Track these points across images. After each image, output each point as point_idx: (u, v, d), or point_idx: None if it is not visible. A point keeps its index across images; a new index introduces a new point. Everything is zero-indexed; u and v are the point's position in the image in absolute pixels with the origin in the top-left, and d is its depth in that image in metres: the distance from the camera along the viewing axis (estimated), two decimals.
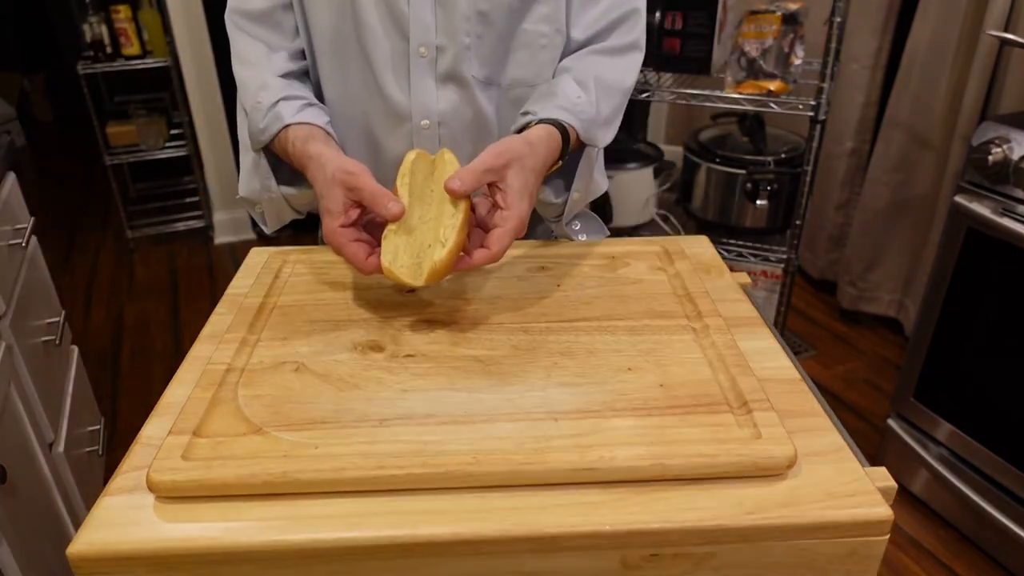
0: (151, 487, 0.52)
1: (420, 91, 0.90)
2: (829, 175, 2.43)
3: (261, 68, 0.92)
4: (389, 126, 0.93)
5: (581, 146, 0.88)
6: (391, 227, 0.71)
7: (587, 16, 0.93)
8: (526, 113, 0.86)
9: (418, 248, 0.70)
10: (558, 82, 0.89)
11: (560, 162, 0.85)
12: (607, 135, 0.92)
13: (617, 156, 1.96)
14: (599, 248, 0.88)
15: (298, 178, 0.88)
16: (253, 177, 0.90)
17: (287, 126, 0.84)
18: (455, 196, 0.71)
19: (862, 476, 0.54)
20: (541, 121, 0.83)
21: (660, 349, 0.67)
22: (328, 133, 0.86)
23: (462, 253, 0.71)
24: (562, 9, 0.90)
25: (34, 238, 1.54)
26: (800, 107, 1.72)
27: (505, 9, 0.87)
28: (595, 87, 0.89)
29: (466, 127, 0.92)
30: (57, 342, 1.50)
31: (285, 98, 0.87)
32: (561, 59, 0.94)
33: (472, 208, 0.74)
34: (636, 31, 0.95)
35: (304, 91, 0.92)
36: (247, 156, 0.91)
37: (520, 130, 0.84)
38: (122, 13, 2.69)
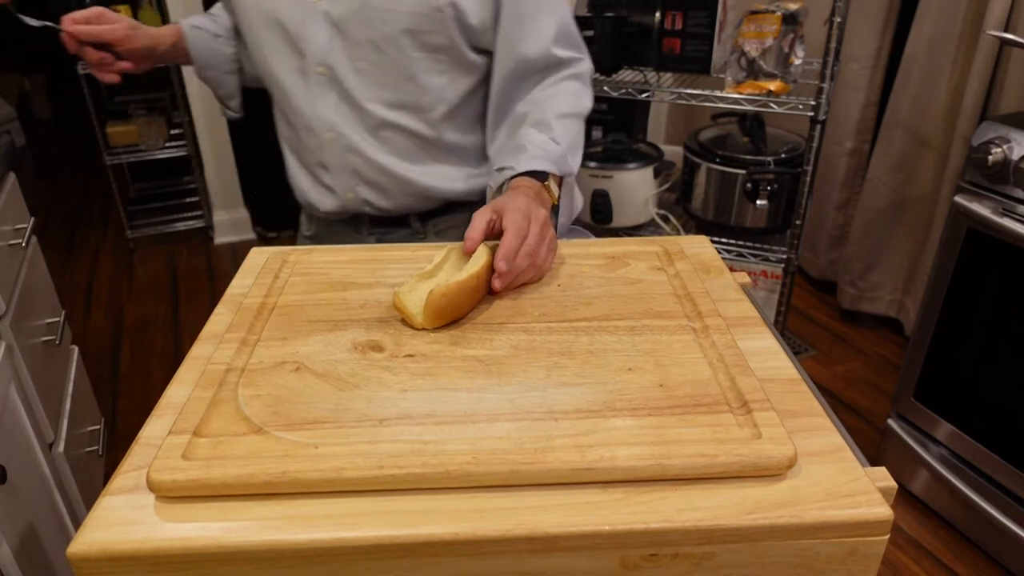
0: (151, 487, 0.52)
1: (320, 107, 0.97)
2: (829, 175, 2.43)
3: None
4: (301, 136, 1.02)
5: (560, 178, 0.94)
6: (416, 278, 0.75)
7: (520, 47, 0.94)
8: (502, 169, 0.91)
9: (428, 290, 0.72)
10: (522, 134, 0.93)
11: (556, 201, 0.91)
12: (577, 159, 0.97)
13: (617, 156, 1.96)
14: (599, 248, 0.88)
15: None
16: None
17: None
18: (469, 246, 0.77)
19: (862, 476, 0.54)
20: (518, 175, 0.89)
21: (660, 349, 0.67)
22: (187, 32, 1.09)
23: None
24: (461, 38, 0.92)
25: (34, 238, 1.54)
26: (800, 107, 1.72)
27: (392, 39, 0.91)
28: (555, 123, 0.93)
29: (368, 139, 0.97)
30: (57, 342, 1.50)
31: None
32: (509, 90, 0.97)
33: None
34: (576, 48, 0.98)
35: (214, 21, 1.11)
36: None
37: (499, 187, 0.91)
38: (122, 13, 2.69)
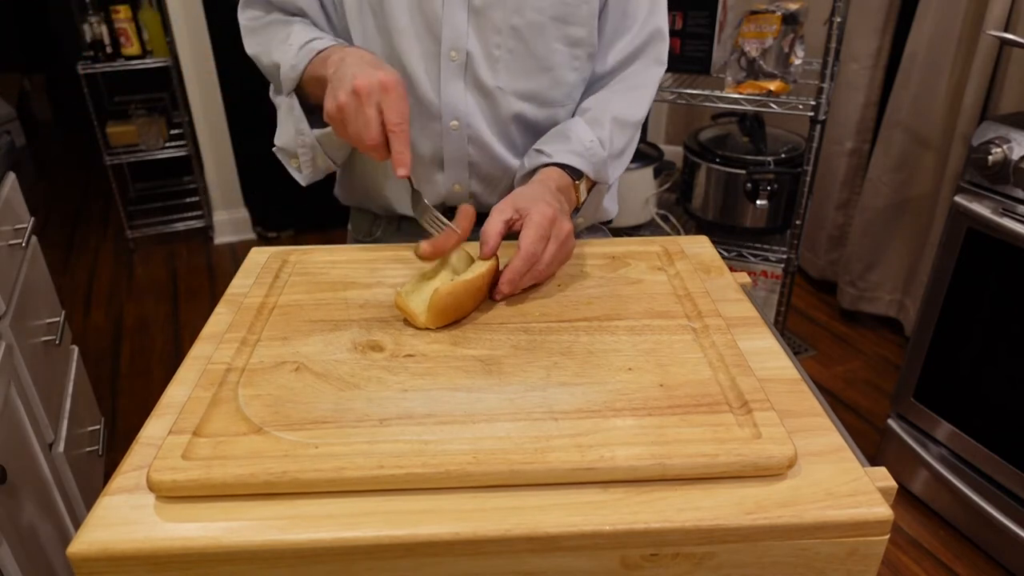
0: (151, 487, 0.52)
1: (449, 93, 0.92)
2: (829, 175, 2.43)
3: (280, 29, 0.92)
4: (419, 125, 0.94)
5: (592, 183, 0.92)
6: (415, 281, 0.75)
7: (617, 44, 0.94)
8: (540, 152, 0.89)
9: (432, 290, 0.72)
10: (573, 124, 0.91)
11: (582, 201, 0.90)
12: (618, 169, 0.96)
13: None
14: (599, 248, 0.88)
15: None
16: (287, 123, 0.91)
17: (319, 52, 0.85)
18: (486, 252, 0.75)
19: (862, 476, 0.54)
20: (553, 164, 0.87)
21: (660, 349, 0.67)
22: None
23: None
24: (595, 34, 0.92)
25: (34, 238, 1.54)
26: (800, 107, 1.72)
27: (538, 27, 0.89)
28: (609, 124, 0.92)
29: (493, 130, 0.94)
30: (57, 342, 1.50)
31: (316, 38, 0.88)
32: (586, 88, 0.97)
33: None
34: (659, 57, 0.98)
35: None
36: (281, 104, 0.92)
37: (532, 170, 0.89)
38: (122, 13, 2.69)
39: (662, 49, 0.97)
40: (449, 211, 1.01)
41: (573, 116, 0.98)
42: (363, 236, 1.10)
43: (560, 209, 0.80)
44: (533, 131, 0.96)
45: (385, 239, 1.07)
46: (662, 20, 0.96)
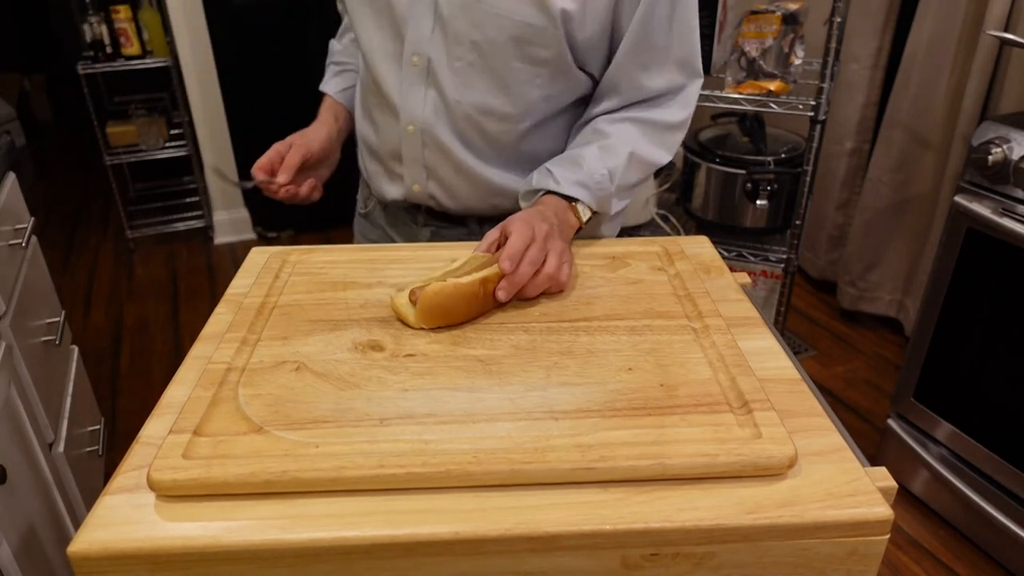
0: (152, 486, 0.52)
1: (408, 97, 0.93)
2: (829, 175, 2.43)
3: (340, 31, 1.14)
4: (384, 122, 0.98)
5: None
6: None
7: (643, 79, 0.91)
8: (549, 173, 0.89)
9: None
10: (586, 153, 0.90)
11: (583, 224, 0.89)
12: (622, 202, 0.95)
13: None
14: (599, 248, 0.88)
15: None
16: None
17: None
18: (481, 247, 0.78)
19: (862, 476, 0.54)
20: (554, 193, 0.87)
21: (660, 349, 0.67)
22: (339, 100, 1.09)
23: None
24: (565, 54, 0.89)
25: (34, 238, 1.54)
26: (800, 107, 1.72)
27: (497, 45, 0.88)
28: (626, 160, 0.90)
29: (450, 137, 0.95)
30: (57, 342, 1.50)
31: (333, 63, 1.13)
32: (594, 108, 0.95)
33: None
34: (687, 108, 0.95)
35: (347, 55, 1.12)
36: None
37: (535, 190, 0.89)
38: (122, 13, 2.69)
39: (693, 92, 0.95)
40: (412, 207, 1.06)
41: (573, 126, 0.98)
42: (360, 208, 1.16)
43: (554, 226, 0.81)
44: (494, 140, 0.96)
45: (373, 216, 1.12)
46: (697, 59, 0.93)
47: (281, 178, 0.93)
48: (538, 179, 0.90)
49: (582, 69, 0.93)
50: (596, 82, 0.96)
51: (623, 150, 0.90)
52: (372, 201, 1.12)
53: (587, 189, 0.88)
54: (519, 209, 1.00)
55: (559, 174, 0.88)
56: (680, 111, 0.95)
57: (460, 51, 0.89)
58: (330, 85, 1.10)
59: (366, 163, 1.07)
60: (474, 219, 1.04)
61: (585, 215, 0.89)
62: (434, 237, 1.06)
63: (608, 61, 0.92)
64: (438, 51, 0.90)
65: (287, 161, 0.94)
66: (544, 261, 0.77)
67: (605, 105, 0.94)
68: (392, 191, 1.04)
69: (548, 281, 0.77)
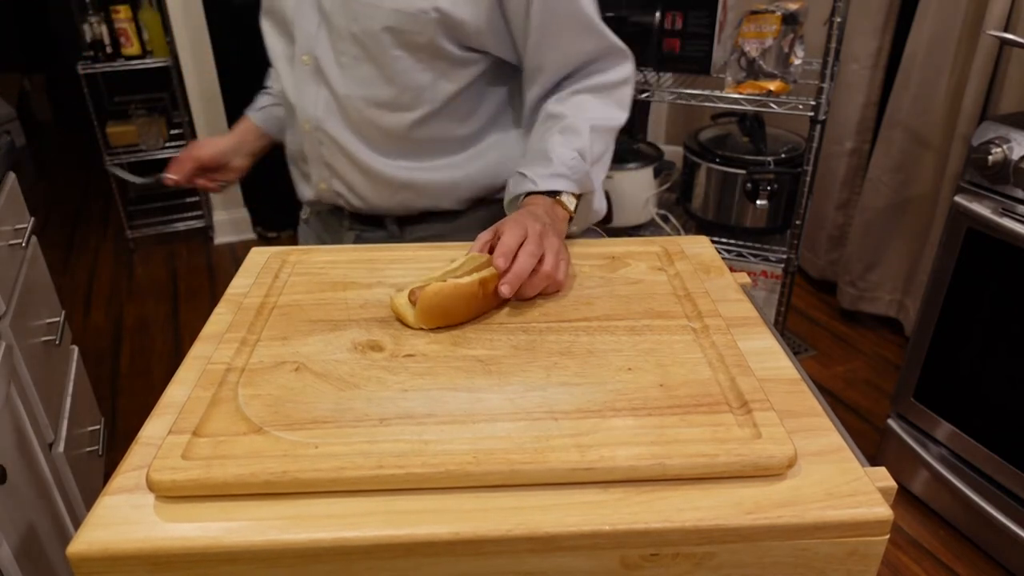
0: (151, 486, 0.52)
1: (303, 96, 0.97)
2: (829, 175, 2.43)
3: None
4: (290, 124, 1.04)
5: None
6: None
7: (563, 49, 0.92)
8: (523, 176, 0.89)
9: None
10: (551, 143, 0.90)
11: (572, 214, 0.89)
12: (600, 174, 0.95)
13: (617, 156, 1.95)
14: (599, 248, 0.88)
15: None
16: None
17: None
18: (474, 247, 0.78)
19: (862, 476, 0.54)
20: (536, 193, 0.87)
21: (660, 349, 0.67)
22: (254, 118, 1.16)
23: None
24: (442, 39, 0.89)
25: (34, 238, 1.54)
26: (800, 107, 1.72)
27: (374, 36, 0.89)
28: (589, 134, 0.91)
29: (348, 134, 0.96)
30: (57, 342, 1.50)
31: (263, 88, 1.18)
32: (529, 91, 0.96)
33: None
34: (622, 61, 0.97)
35: (273, 77, 1.13)
36: None
37: (517, 196, 0.89)
38: (122, 13, 2.69)
39: (618, 46, 0.96)
40: (336, 210, 1.08)
41: (527, 113, 0.99)
42: (302, 214, 1.18)
43: (547, 224, 0.81)
44: (390, 132, 0.96)
45: (311, 222, 1.15)
46: (598, 16, 0.94)
47: (170, 174, 1.09)
48: (515, 185, 0.90)
49: (473, 50, 0.93)
50: (501, 61, 0.96)
51: (583, 126, 0.91)
52: (307, 208, 1.15)
53: (564, 178, 0.88)
54: (436, 207, 1.03)
55: (533, 174, 0.88)
56: (617, 68, 0.95)
57: (344, 46, 0.91)
58: (253, 105, 1.18)
59: (290, 169, 1.11)
60: (392, 220, 1.05)
61: (571, 203, 0.89)
62: (358, 240, 1.07)
63: (511, 40, 0.93)
64: (324, 48, 0.92)
65: (177, 161, 1.10)
66: (541, 259, 0.76)
67: (540, 84, 0.95)
68: (307, 192, 1.07)
69: (546, 280, 0.76)
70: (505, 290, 0.73)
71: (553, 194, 0.87)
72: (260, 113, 1.15)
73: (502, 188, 1.05)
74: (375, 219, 1.05)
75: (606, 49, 0.95)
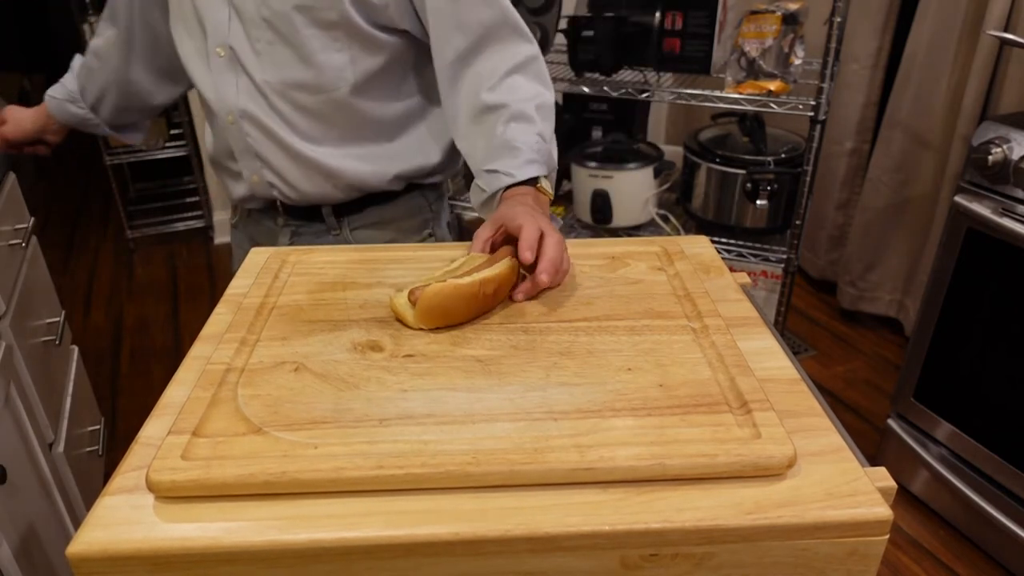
0: (150, 487, 0.52)
1: (222, 89, 0.96)
2: (829, 175, 2.43)
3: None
4: (210, 121, 1.03)
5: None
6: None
7: (453, 22, 0.91)
8: (495, 172, 0.88)
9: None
10: (510, 133, 0.89)
11: (552, 197, 0.90)
12: (556, 150, 0.95)
13: (617, 156, 1.96)
14: (599, 248, 0.88)
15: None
16: None
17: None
18: (474, 246, 0.79)
19: (862, 476, 0.54)
20: (515, 184, 0.87)
21: (660, 349, 0.67)
22: (48, 107, 1.20)
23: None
24: (351, 14, 0.90)
25: (34, 238, 1.54)
26: (800, 107, 1.72)
27: (285, 17, 0.89)
28: (537, 113, 0.91)
29: (272, 121, 0.96)
30: (57, 342, 1.50)
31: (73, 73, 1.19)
32: (438, 61, 0.94)
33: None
34: (522, 32, 0.95)
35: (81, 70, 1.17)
36: None
37: (494, 193, 0.88)
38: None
39: (514, 17, 0.94)
40: (269, 209, 1.08)
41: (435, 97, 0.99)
42: (232, 221, 1.20)
43: (541, 215, 0.81)
44: (314, 115, 0.96)
45: (241, 225, 1.16)
46: (508, 6, 0.93)
47: None
48: (489, 183, 0.89)
49: (386, 28, 0.93)
50: (419, 41, 0.96)
51: (528, 108, 0.90)
52: (238, 211, 1.16)
53: (537, 163, 0.88)
54: (370, 188, 1.03)
55: (506, 167, 0.87)
56: (520, 45, 0.94)
57: (257, 32, 0.91)
58: (54, 89, 1.20)
59: (215, 172, 1.11)
60: (328, 210, 1.05)
61: (549, 187, 0.89)
62: (294, 237, 1.08)
63: (418, 18, 0.93)
64: (238, 37, 0.92)
65: None
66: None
67: (443, 56, 0.93)
68: (238, 189, 1.07)
69: (563, 275, 0.77)
70: (545, 279, 0.73)
71: (531, 182, 0.87)
72: (54, 103, 1.19)
73: (433, 169, 1.07)
74: (311, 211, 1.05)
75: (503, 21, 0.92)
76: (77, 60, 1.18)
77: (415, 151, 1.03)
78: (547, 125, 0.92)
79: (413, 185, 1.07)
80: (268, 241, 1.10)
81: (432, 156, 1.05)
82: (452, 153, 1.08)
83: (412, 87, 1.01)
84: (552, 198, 0.90)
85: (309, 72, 0.93)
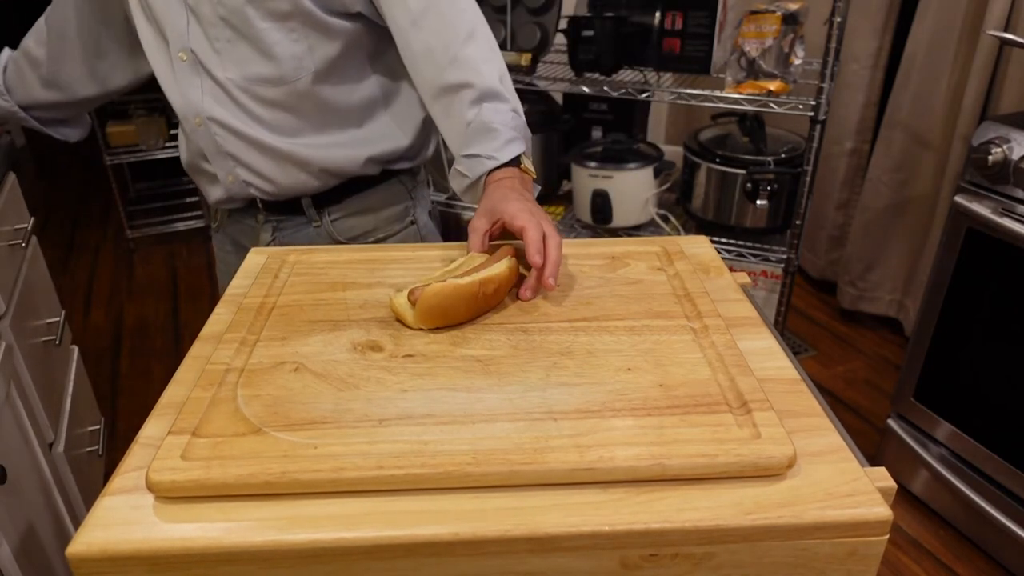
0: (150, 487, 0.52)
1: (187, 93, 0.97)
2: (829, 175, 2.43)
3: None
4: (183, 125, 1.03)
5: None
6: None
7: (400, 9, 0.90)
8: (477, 157, 0.87)
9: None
10: (484, 115, 0.88)
11: (535, 176, 0.90)
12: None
13: (617, 156, 1.96)
14: (599, 248, 0.88)
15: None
16: None
17: None
18: (473, 248, 0.78)
19: (862, 476, 0.54)
20: (499, 167, 0.86)
21: (660, 349, 0.67)
22: None
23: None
24: (306, 2, 0.89)
25: (34, 238, 1.54)
26: (800, 107, 1.72)
27: (239, 12, 0.90)
28: (504, 89, 0.90)
29: (240, 119, 0.97)
30: (57, 342, 1.50)
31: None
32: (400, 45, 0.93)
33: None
34: (464, 8, 0.92)
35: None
36: None
37: (477, 178, 0.87)
38: None
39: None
40: (247, 209, 1.08)
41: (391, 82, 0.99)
42: (212, 225, 1.18)
43: (527, 197, 0.81)
44: (280, 107, 0.97)
45: (222, 229, 1.15)
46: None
47: None
48: (472, 168, 0.87)
49: (338, 14, 0.93)
50: (370, 24, 0.96)
51: (491, 83, 0.89)
52: (217, 215, 1.15)
53: (517, 140, 0.87)
54: (346, 176, 1.03)
55: (487, 150, 0.86)
56: (463, 15, 0.91)
57: (215, 31, 0.92)
58: None
59: (193, 177, 1.11)
60: (308, 202, 1.05)
61: (530, 164, 0.89)
62: (276, 233, 1.07)
63: (372, 4, 0.93)
64: (199, 39, 0.93)
65: None
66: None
67: (400, 23, 0.91)
68: (216, 192, 1.06)
69: (556, 269, 0.77)
70: (552, 282, 0.74)
71: (513, 162, 0.87)
72: None
73: (405, 152, 1.06)
74: (290, 205, 1.05)
75: None
76: (5, 53, 1.18)
77: (384, 135, 1.04)
78: (515, 97, 0.92)
79: (390, 172, 1.07)
80: (250, 241, 1.10)
81: (402, 139, 1.05)
82: (423, 135, 1.09)
83: (373, 72, 1.01)
84: (535, 176, 0.89)
85: (269, 65, 0.94)
